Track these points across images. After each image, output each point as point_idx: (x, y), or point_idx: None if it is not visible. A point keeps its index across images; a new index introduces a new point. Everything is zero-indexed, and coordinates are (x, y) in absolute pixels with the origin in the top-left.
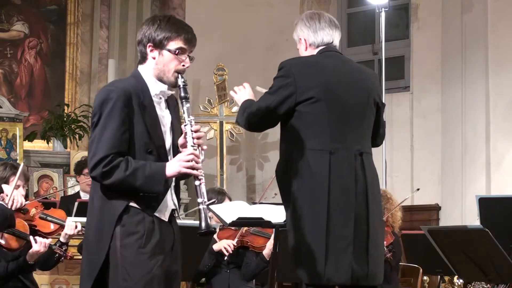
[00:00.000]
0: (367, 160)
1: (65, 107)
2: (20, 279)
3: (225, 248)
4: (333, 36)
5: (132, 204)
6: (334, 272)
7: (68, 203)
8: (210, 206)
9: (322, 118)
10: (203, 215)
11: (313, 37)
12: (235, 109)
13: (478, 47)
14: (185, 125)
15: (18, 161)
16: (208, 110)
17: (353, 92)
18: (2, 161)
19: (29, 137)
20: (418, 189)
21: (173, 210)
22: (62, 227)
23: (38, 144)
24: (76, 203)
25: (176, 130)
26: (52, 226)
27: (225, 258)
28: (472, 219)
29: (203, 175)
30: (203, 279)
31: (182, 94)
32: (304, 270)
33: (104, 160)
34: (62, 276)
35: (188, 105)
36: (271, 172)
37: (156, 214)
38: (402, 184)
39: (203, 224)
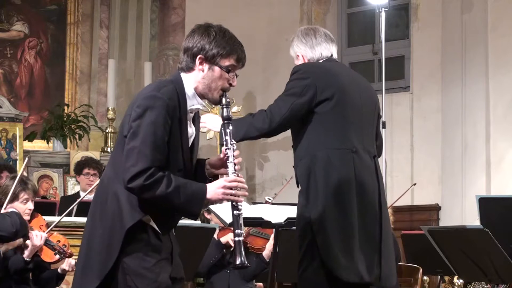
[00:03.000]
0: (378, 163)
1: (65, 107)
2: None
3: (232, 240)
4: (331, 50)
5: (147, 218)
6: (367, 270)
7: (68, 203)
8: (210, 206)
9: (341, 118)
10: (238, 249)
11: (311, 53)
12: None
13: (478, 47)
14: (226, 149)
15: (18, 161)
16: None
17: (364, 97)
18: (6, 164)
19: (29, 137)
20: (415, 184)
21: None
22: (63, 254)
23: (38, 144)
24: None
25: (195, 148)
26: (56, 255)
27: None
28: (472, 219)
29: (242, 205)
30: (202, 279)
31: (225, 114)
32: (339, 267)
33: (145, 172)
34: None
35: (231, 127)
36: (271, 172)
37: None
38: (402, 184)
39: (238, 260)
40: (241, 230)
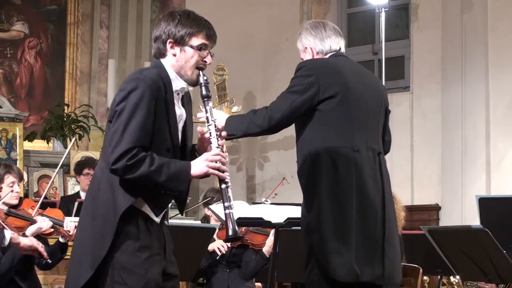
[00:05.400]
0: (383, 160)
1: (65, 107)
2: (17, 283)
3: (218, 248)
4: (340, 44)
5: (140, 200)
6: (364, 270)
7: (68, 203)
8: (210, 206)
9: (345, 116)
10: (230, 220)
11: (320, 45)
12: (235, 109)
13: (478, 47)
14: (208, 125)
15: (18, 161)
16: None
17: (370, 93)
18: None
19: (29, 137)
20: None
21: (164, 212)
22: (61, 226)
23: (38, 144)
24: (76, 203)
25: (188, 129)
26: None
27: (217, 258)
28: (472, 219)
29: (229, 177)
30: (202, 279)
31: (204, 93)
32: (333, 267)
33: (129, 153)
34: (62, 276)
35: (211, 104)
36: (271, 172)
37: (149, 215)
38: (402, 184)
39: (230, 231)
40: (230, 202)
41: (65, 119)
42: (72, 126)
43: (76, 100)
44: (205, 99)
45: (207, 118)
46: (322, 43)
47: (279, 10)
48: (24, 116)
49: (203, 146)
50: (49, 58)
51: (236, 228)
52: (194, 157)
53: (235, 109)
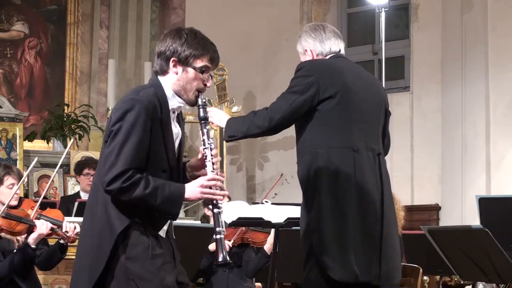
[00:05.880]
0: (383, 161)
1: (65, 107)
2: (17, 283)
3: None
4: (340, 46)
5: (136, 219)
6: (363, 270)
7: (68, 203)
8: (210, 206)
9: (344, 116)
10: (220, 246)
11: (320, 47)
12: (235, 109)
13: (478, 47)
14: (204, 148)
15: (18, 161)
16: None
17: (369, 94)
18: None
19: (29, 137)
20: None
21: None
22: (60, 227)
23: (38, 144)
24: (76, 203)
25: (182, 148)
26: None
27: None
28: (472, 219)
29: (222, 203)
30: (201, 279)
31: (202, 115)
32: (333, 267)
33: (124, 175)
34: (62, 276)
35: (208, 127)
36: (271, 172)
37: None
38: (402, 184)
39: (220, 257)
40: (221, 227)
41: (65, 119)
42: (72, 126)
43: (76, 100)
44: (203, 122)
45: (203, 141)
46: (322, 45)
47: (279, 10)
48: (24, 116)
49: (197, 167)
50: (49, 58)
51: (226, 254)
52: (184, 174)
53: (235, 109)
